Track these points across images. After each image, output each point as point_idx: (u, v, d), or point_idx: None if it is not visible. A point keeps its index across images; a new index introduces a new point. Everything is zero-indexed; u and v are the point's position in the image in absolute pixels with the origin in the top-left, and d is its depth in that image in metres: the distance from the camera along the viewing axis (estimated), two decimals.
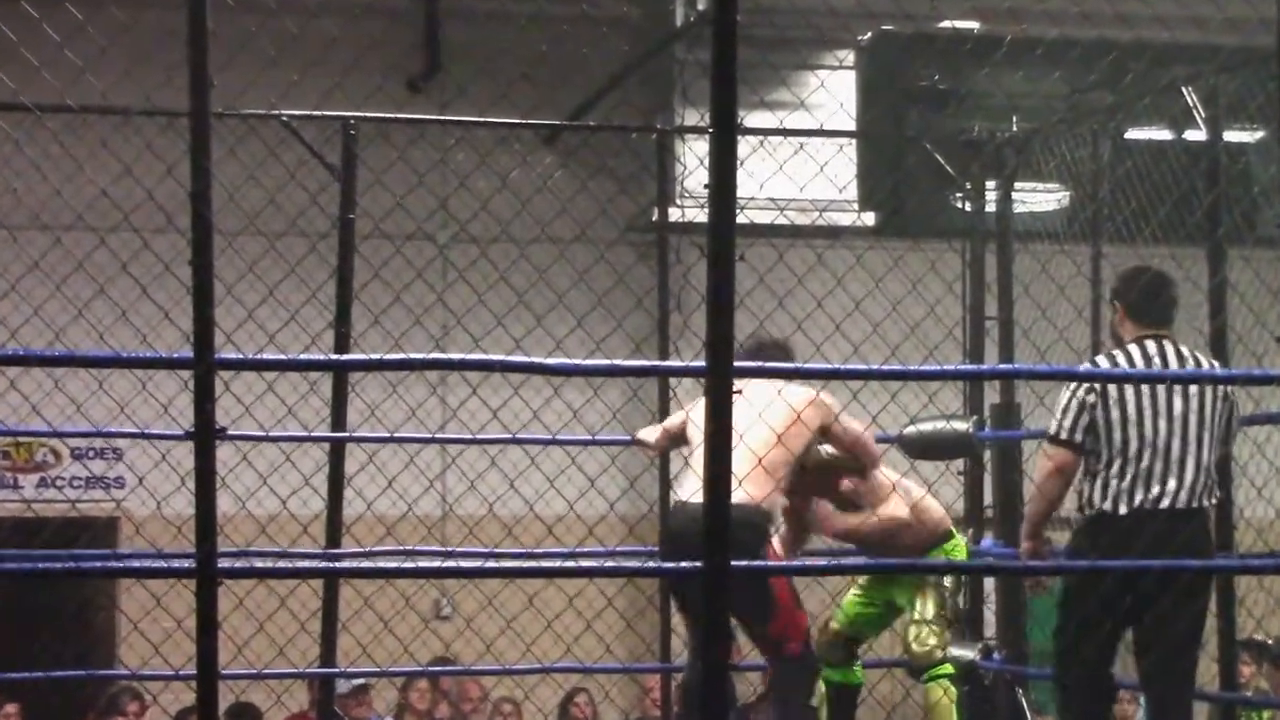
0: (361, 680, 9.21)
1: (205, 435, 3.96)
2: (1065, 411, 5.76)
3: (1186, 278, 7.15)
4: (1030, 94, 9.03)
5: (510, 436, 7.63)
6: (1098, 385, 5.70)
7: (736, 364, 4.11)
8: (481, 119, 8.20)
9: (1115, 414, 5.71)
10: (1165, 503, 5.69)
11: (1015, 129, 8.40)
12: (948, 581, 6.74)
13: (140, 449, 9.38)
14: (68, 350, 5.23)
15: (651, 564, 8.25)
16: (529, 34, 8.30)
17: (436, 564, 7.43)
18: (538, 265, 8.51)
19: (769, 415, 5.77)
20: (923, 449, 7.50)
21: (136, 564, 6.13)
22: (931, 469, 7.56)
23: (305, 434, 7.85)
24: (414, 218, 8.96)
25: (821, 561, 6.37)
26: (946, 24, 9.61)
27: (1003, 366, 7.93)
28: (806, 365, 5.60)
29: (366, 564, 7.26)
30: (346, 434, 7.47)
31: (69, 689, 8.41)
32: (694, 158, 9.28)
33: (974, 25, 9.24)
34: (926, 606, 6.67)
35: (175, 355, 4.37)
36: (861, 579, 6.94)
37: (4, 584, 9.21)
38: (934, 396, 6.97)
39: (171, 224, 6.82)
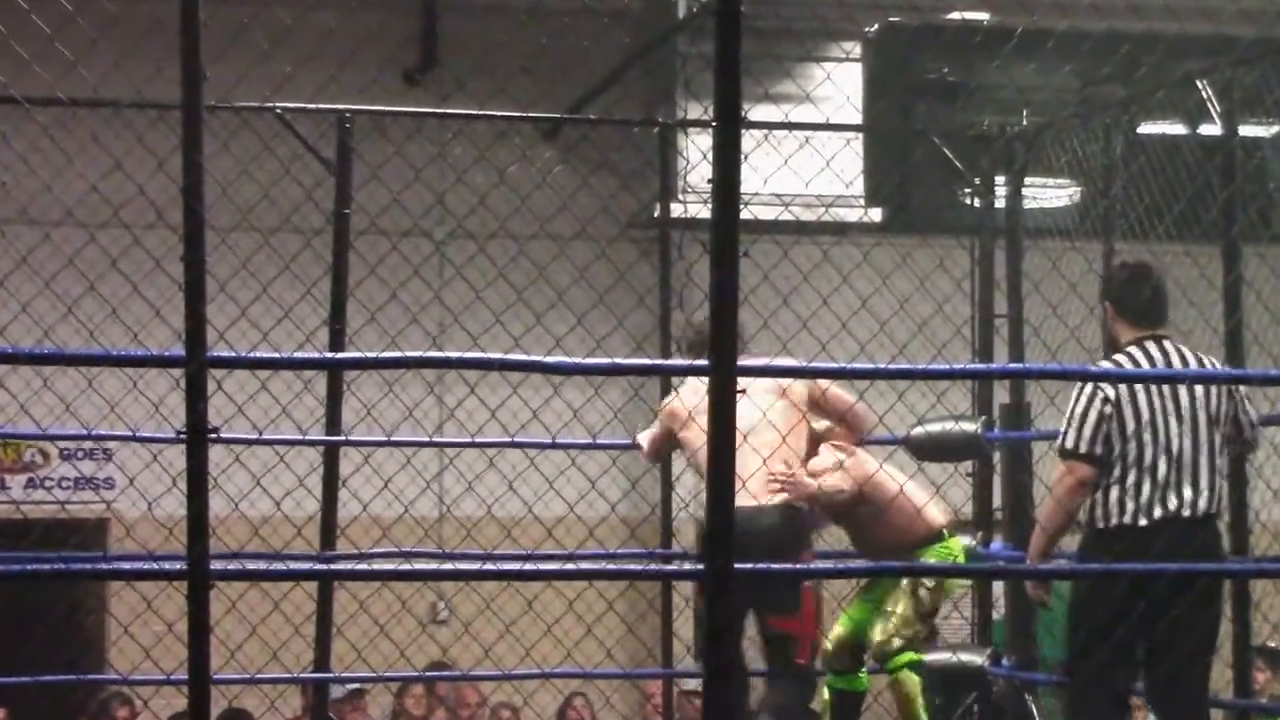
0: (356, 685, 9.27)
1: (197, 435, 3.96)
2: (1083, 423, 5.69)
3: (1201, 275, 7.15)
4: (1041, 87, 9.04)
5: (509, 438, 7.67)
6: (1112, 395, 5.65)
7: (741, 363, 4.06)
8: (480, 113, 8.23)
9: (1131, 423, 5.65)
10: (1186, 512, 5.65)
11: (1025, 123, 8.30)
12: (930, 583, 6.69)
13: (131, 449, 9.39)
14: (56, 348, 5.31)
15: (653, 566, 8.26)
16: (528, 26, 8.26)
17: (433, 567, 7.57)
18: (537, 262, 8.51)
19: (775, 413, 5.96)
20: (930, 450, 7.46)
21: (127, 566, 6.12)
22: (939, 471, 7.48)
23: (299, 434, 7.85)
24: (411, 213, 8.90)
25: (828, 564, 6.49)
26: (955, 15, 9.64)
27: (1012, 366, 7.89)
28: (812, 364, 5.61)
29: (362, 567, 7.26)
30: (341, 435, 7.47)
31: (58, 694, 8.40)
32: (697, 152, 9.29)
33: (983, 16, 9.27)
34: (898, 604, 6.66)
35: (166, 354, 4.33)
36: (863, 584, 6.95)
37: None
38: (942, 396, 6.94)
39: (163, 220, 6.83)
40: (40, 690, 7.42)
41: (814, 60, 9.82)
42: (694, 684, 9.04)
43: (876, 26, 10.39)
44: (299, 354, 5.64)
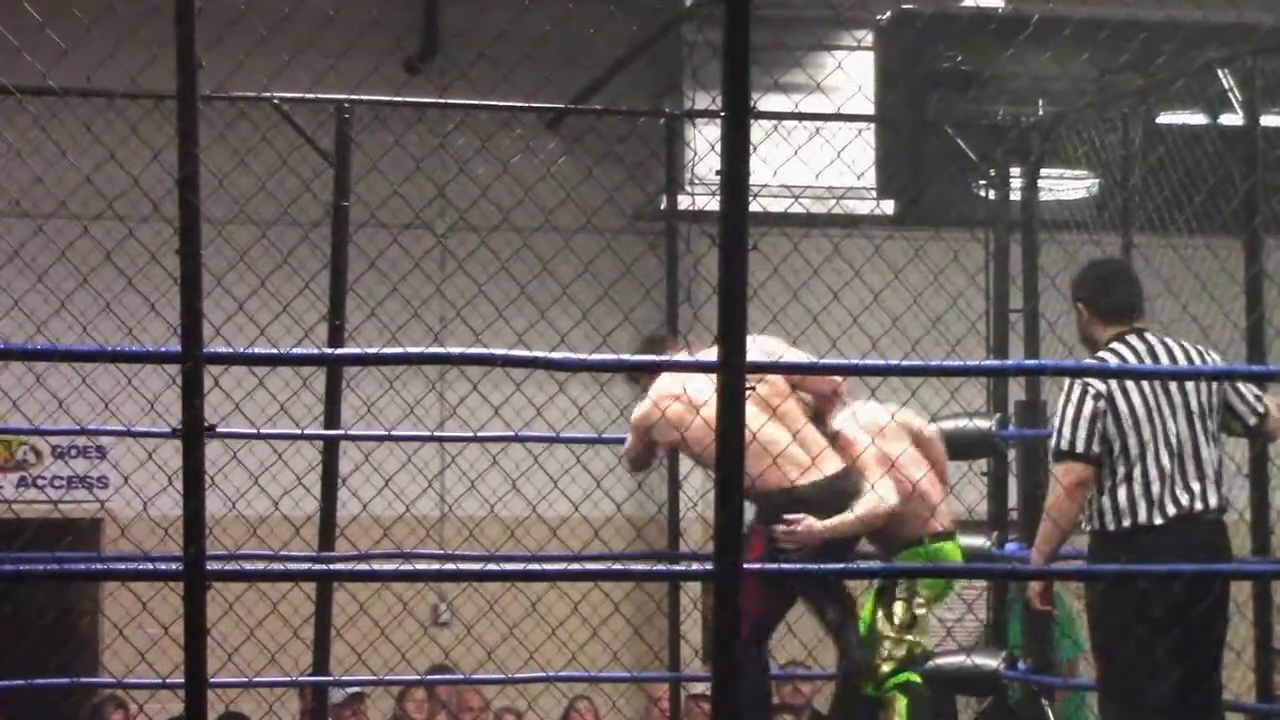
0: (356, 689, 9.24)
1: (193, 433, 3.96)
2: (1076, 424, 5.61)
3: (1222, 268, 7.09)
4: (1057, 76, 9.03)
5: (512, 434, 7.62)
6: (1103, 389, 5.60)
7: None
8: (482, 102, 8.27)
9: (1127, 420, 5.59)
10: (1199, 506, 5.59)
11: (1041, 113, 8.36)
12: (903, 594, 6.58)
13: (125, 447, 9.44)
14: (49, 344, 5.21)
15: (660, 567, 8.21)
16: (532, 14, 8.19)
17: (434, 567, 7.54)
18: (541, 255, 8.45)
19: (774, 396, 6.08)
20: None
21: (121, 567, 6.15)
22: (954, 469, 7.41)
23: (298, 432, 7.78)
24: (411, 206, 8.95)
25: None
26: (969, 2, 9.66)
27: (1028, 362, 7.87)
28: (824, 360, 5.72)
29: (361, 567, 7.22)
30: (341, 432, 7.49)
31: (51, 698, 8.43)
32: (705, 143, 9.29)
33: (998, 4, 9.29)
34: (878, 617, 6.56)
35: (162, 349, 4.30)
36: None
37: None
38: (956, 393, 6.99)
39: (158, 212, 6.74)
40: (33, 694, 7.42)
41: (824, 49, 9.80)
42: (702, 688, 9.04)
43: (889, 14, 10.39)
44: (297, 350, 5.62)
